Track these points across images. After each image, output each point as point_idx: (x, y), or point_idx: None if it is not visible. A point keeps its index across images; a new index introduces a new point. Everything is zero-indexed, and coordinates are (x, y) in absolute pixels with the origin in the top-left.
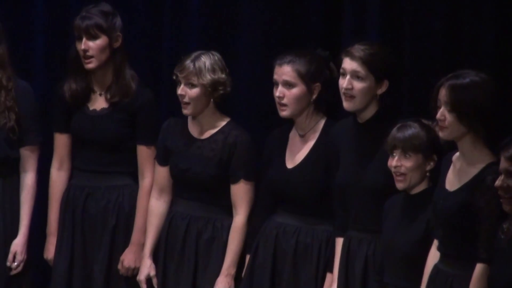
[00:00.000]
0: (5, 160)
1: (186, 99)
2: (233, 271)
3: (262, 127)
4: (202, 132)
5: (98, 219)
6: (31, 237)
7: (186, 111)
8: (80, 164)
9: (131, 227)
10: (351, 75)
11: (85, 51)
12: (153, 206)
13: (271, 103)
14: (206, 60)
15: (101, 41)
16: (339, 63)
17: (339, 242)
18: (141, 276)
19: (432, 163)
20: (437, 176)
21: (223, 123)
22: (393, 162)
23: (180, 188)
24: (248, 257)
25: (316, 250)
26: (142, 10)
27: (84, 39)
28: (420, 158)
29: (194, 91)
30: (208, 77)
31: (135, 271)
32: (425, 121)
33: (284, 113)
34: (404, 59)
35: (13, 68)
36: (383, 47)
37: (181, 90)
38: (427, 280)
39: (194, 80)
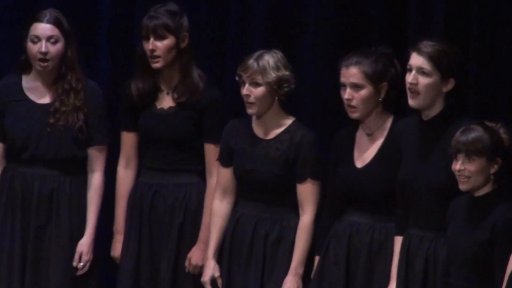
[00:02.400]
0: (73, 160)
1: (251, 99)
2: (301, 270)
3: (326, 127)
4: (267, 132)
5: (165, 216)
6: (98, 235)
7: (251, 110)
8: (147, 162)
9: (198, 225)
10: (417, 70)
11: (152, 51)
12: (216, 208)
13: (334, 103)
14: (269, 58)
15: (168, 41)
16: (406, 59)
17: (398, 240)
18: (206, 278)
19: (496, 166)
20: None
21: (288, 123)
22: (457, 165)
23: (245, 189)
24: (317, 258)
25: (390, 247)
26: (207, 10)
27: (151, 39)
28: (484, 161)
29: (259, 90)
30: (272, 75)
31: (203, 269)
32: (489, 124)
33: (354, 115)
34: (470, 57)
35: (82, 69)
36: (451, 44)
37: (246, 90)
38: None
39: (259, 79)
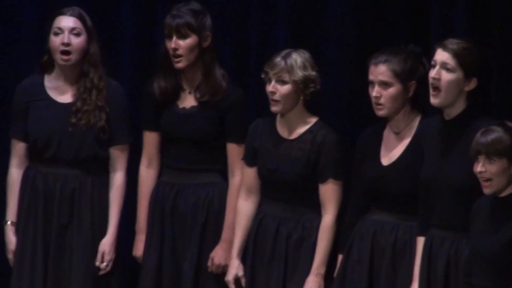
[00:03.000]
0: (94, 159)
1: (276, 96)
2: (323, 270)
3: (349, 126)
4: (290, 132)
5: (188, 216)
6: (120, 234)
7: (275, 108)
8: (169, 161)
9: (221, 224)
10: (441, 65)
11: (174, 50)
12: (241, 207)
13: (358, 103)
14: (297, 57)
15: (191, 40)
16: (430, 57)
17: (421, 241)
18: (229, 277)
19: None
20: None
21: (311, 123)
22: (478, 167)
23: (269, 189)
24: (340, 256)
25: (414, 246)
26: (230, 9)
27: (174, 38)
28: (505, 162)
29: (286, 88)
30: (299, 74)
31: (225, 268)
32: (510, 124)
33: (381, 112)
34: (493, 57)
35: (105, 68)
36: (476, 44)
37: (272, 87)
38: None
39: (286, 76)
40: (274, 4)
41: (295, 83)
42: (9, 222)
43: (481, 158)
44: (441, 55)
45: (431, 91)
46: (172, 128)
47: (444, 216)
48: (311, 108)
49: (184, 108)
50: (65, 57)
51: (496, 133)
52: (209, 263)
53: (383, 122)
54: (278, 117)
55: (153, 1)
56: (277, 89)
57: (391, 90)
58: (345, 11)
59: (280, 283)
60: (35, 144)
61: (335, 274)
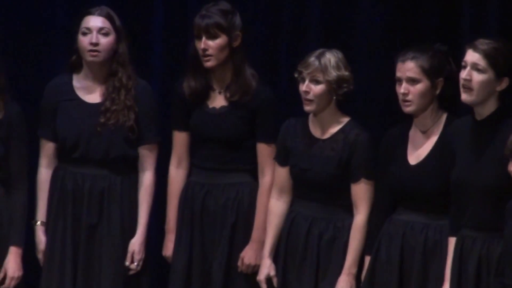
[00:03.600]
0: (123, 159)
1: (310, 96)
2: (354, 270)
3: (381, 126)
4: (323, 131)
5: (217, 216)
6: (150, 234)
7: (308, 107)
8: (199, 161)
9: (251, 224)
10: (471, 66)
11: (204, 50)
12: (273, 206)
13: (389, 102)
14: (330, 57)
15: (220, 41)
16: (461, 57)
17: (452, 241)
18: (261, 276)
19: None
20: None
21: (343, 122)
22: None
23: (301, 189)
24: (367, 258)
25: (445, 246)
26: (261, 8)
27: (203, 38)
28: None
29: (319, 88)
30: (333, 74)
31: (255, 268)
32: None
33: (409, 108)
34: None
35: (134, 67)
36: (507, 44)
37: (305, 86)
38: None
39: (320, 76)
40: (306, 3)
41: (328, 83)
42: (39, 222)
43: None
44: (472, 56)
45: (462, 90)
46: (202, 128)
47: (476, 216)
48: (343, 107)
49: (214, 108)
50: (93, 54)
51: None
52: (239, 263)
53: (409, 121)
54: (310, 116)
55: (185, 2)
56: (311, 89)
57: (419, 87)
58: (375, 10)
59: (312, 283)
60: (64, 144)
61: (362, 275)
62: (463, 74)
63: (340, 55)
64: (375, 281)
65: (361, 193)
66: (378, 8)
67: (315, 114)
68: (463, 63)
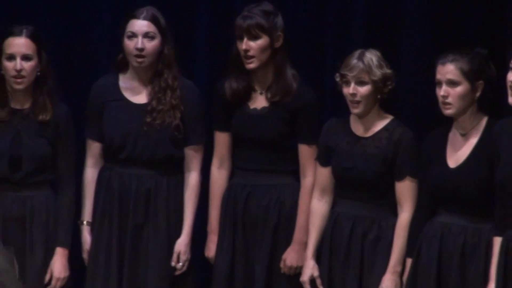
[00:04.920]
0: (169, 159)
1: (357, 98)
2: (399, 268)
3: (424, 126)
4: (366, 130)
5: (260, 217)
6: (194, 236)
7: (357, 110)
8: (241, 162)
9: (293, 225)
10: None
11: (246, 51)
12: (315, 207)
13: (432, 102)
14: (372, 57)
15: (262, 41)
16: (505, 59)
17: (497, 241)
18: (305, 277)
19: None
20: None
21: (386, 121)
22: None
23: (343, 188)
24: (408, 260)
25: (483, 249)
26: (304, 9)
27: (245, 39)
28: None
29: (365, 88)
30: (378, 73)
31: (297, 270)
32: None
33: (449, 111)
34: None
35: (179, 68)
36: None
37: (352, 89)
38: None
39: (365, 77)
40: (350, 5)
41: (374, 82)
42: (84, 222)
43: None
44: None
45: (510, 93)
46: (243, 129)
47: None
48: (386, 107)
49: (255, 109)
50: (139, 60)
51: None
52: (281, 265)
53: (449, 123)
54: (352, 115)
55: (230, 3)
56: (358, 91)
57: (459, 89)
58: (420, 9)
59: (356, 283)
60: (110, 145)
61: (403, 278)
62: (510, 76)
63: (379, 53)
64: (417, 283)
65: (406, 191)
66: (423, 8)
67: (362, 115)
68: (510, 65)
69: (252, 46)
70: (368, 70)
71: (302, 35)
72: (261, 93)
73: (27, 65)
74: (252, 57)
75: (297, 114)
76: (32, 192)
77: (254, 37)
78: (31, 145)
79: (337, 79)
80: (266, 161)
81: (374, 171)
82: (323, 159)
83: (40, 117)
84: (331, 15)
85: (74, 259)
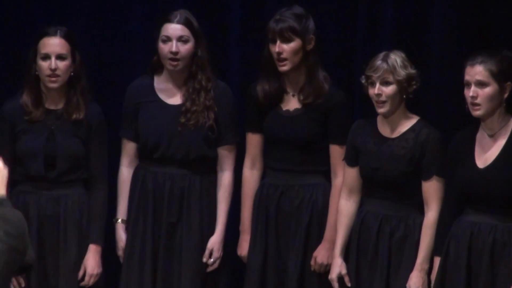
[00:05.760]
0: (203, 159)
1: (382, 98)
2: (426, 266)
3: (450, 127)
4: (392, 130)
5: (292, 217)
6: (226, 234)
7: (382, 110)
8: (273, 163)
9: (324, 224)
10: None
11: (279, 53)
12: (342, 207)
13: (458, 104)
14: (396, 58)
15: (294, 44)
16: None
17: None
18: (333, 275)
19: None
20: None
21: (413, 122)
22: None
23: (371, 188)
24: (436, 259)
25: None
26: (334, 12)
27: (278, 42)
28: None
29: (391, 88)
30: (402, 73)
31: (328, 267)
32: None
33: (478, 112)
34: None
35: (213, 70)
36: None
37: (377, 89)
38: None
39: (390, 77)
40: (379, 9)
41: (399, 82)
42: (119, 220)
43: None
44: None
45: None
46: (276, 130)
47: None
48: (412, 107)
49: (287, 111)
50: (173, 63)
51: None
52: (312, 262)
53: (476, 124)
54: (379, 116)
55: (261, 6)
56: (383, 91)
57: (488, 90)
58: (449, 12)
59: (384, 280)
60: (145, 144)
61: (431, 276)
62: None
63: (403, 54)
64: (446, 282)
65: (432, 190)
66: (452, 11)
67: (388, 115)
68: None
69: (285, 48)
70: (393, 70)
71: (332, 37)
72: (293, 95)
73: (62, 64)
74: (285, 59)
75: (328, 115)
76: (66, 190)
77: (287, 40)
78: (65, 145)
79: (363, 81)
80: (298, 162)
81: (401, 171)
82: (350, 160)
83: (74, 117)
84: (360, 18)
85: (108, 257)
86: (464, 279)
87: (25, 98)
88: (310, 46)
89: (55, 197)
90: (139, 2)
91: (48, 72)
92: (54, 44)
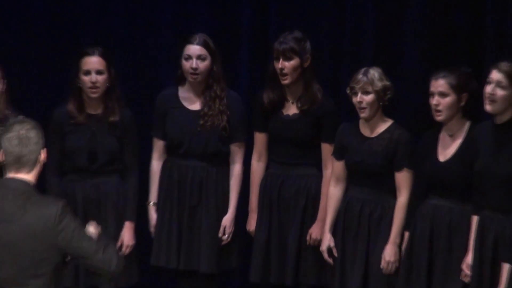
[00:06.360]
0: (218, 153)
1: (363, 105)
2: (398, 240)
3: (418, 128)
4: (371, 131)
5: (291, 200)
6: (237, 214)
7: (363, 114)
8: (275, 157)
9: (317, 207)
10: (496, 84)
11: (281, 69)
12: (331, 193)
13: (425, 110)
14: (374, 72)
15: (294, 62)
16: (485, 75)
17: (475, 219)
18: (323, 247)
19: None
20: None
21: (388, 124)
22: None
23: (354, 177)
24: (406, 233)
25: (466, 225)
26: (326, 38)
27: (281, 60)
28: None
29: (370, 97)
30: (379, 84)
31: (320, 241)
32: None
33: (440, 117)
34: None
35: (226, 81)
36: None
37: (359, 98)
38: None
39: (369, 88)
40: (362, 34)
41: (376, 92)
42: (151, 203)
43: None
44: (496, 75)
45: (487, 102)
46: (278, 131)
47: (494, 200)
48: (388, 113)
49: (288, 115)
50: (194, 77)
51: None
52: (307, 238)
53: (439, 127)
54: (360, 120)
55: (266, 30)
56: (363, 99)
57: (448, 99)
58: (419, 37)
59: (364, 251)
60: (171, 142)
61: (403, 247)
62: (489, 89)
63: (379, 69)
64: (413, 252)
65: (403, 179)
66: (421, 35)
67: (368, 119)
68: (488, 80)
69: (286, 65)
70: (371, 82)
71: (324, 57)
72: (292, 103)
73: (100, 78)
74: (286, 74)
75: (321, 119)
76: (105, 179)
77: (288, 59)
78: (103, 142)
79: (348, 92)
80: (295, 156)
81: (378, 164)
82: (338, 155)
83: (110, 120)
84: (346, 37)
85: (141, 232)
86: (427, 249)
87: (71, 106)
88: (306, 64)
89: (96, 184)
90: (166, 29)
91: (89, 85)
92: (93, 62)
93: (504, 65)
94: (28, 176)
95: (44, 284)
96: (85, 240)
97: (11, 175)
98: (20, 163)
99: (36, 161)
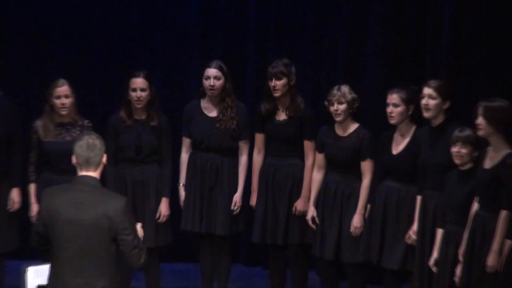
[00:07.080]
0: (230, 148)
1: (338, 112)
2: (363, 211)
3: (379, 130)
4: (344, 132)
5: (282, 183)
6: (244, 192)
7: (339, 118)
8: (271, 151)
9: (301, 187)
10: (428, 97)
11: (274, 87)
12: (314, 176)
13: (383, 116)
14: (345, 88)
15: (283, 81)
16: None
17: (418, 198)
18: (308, 216)
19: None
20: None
21: (356, 126)
22: (455, 149)
23: (331, 166)
24: (368, 205)
25: (411, 202)
26: (309, 64)
27: (273, 80)
28: (470, 147)
29: (343, 106)
30: (349, 97)
31: (304, 213)
32: (470, 128)
33: (393, 122)
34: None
35: (235, 95)
36: (448, 80)
37: (335, 107)
38: None
39: (342, 99)
40: (336, 55)
41: (348, 102)
42: (181, 184)
43: (458, 144)
44: (427, 90)
45: (424, 111)
46: (272, 132)
47: (432, 182)
48: (356, 118)
49: (279, 120)
50: (211, 91)
51: (468, 131)
52: (293, 209)
53: (393, 129)
54: (336, 123)
55: (266, 58)
56: (338, 108)
57: (399, 109)
58: (380, 58)
59: (338, 221)
60: (195, 140)
61: (366, 215)
62: (424, 101)
63: (348, 86)
64: (372, 220)
65: (366, 167)
66: (381, 58)
67: (341, 122)
68: (422, 95)
69: (277, 84)
70: (343, 95)
71: (306, 76)
72: (282, 111)
73: (143, 94)
74: (278, 90)
75: (303, 123)
76: (148, 166)
77: (279, 79)
78: (147, 140)
79: (326, 103)
80: (285, 150)
81: (349, 156)
82: (319, 149)
83: (151, 124)
84: (325, 68)
85: (173, 206)
86: (381, 218)
87: (122, 113)
88: (292, 82)
89: (141, 171)
90: (193, 58)
91: (135, 99)
92: (139, 82)
93: (432, 82)
94: (95, 174)
95: (101, 259)
96: (131, 235)
97: (82, 173)
98: (88, 164)
99: (100, 162)
